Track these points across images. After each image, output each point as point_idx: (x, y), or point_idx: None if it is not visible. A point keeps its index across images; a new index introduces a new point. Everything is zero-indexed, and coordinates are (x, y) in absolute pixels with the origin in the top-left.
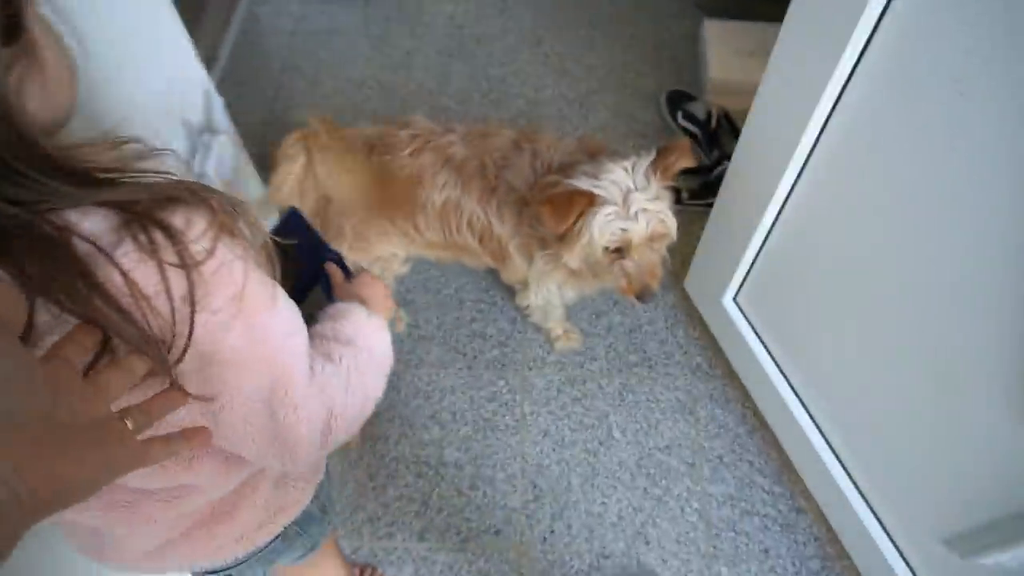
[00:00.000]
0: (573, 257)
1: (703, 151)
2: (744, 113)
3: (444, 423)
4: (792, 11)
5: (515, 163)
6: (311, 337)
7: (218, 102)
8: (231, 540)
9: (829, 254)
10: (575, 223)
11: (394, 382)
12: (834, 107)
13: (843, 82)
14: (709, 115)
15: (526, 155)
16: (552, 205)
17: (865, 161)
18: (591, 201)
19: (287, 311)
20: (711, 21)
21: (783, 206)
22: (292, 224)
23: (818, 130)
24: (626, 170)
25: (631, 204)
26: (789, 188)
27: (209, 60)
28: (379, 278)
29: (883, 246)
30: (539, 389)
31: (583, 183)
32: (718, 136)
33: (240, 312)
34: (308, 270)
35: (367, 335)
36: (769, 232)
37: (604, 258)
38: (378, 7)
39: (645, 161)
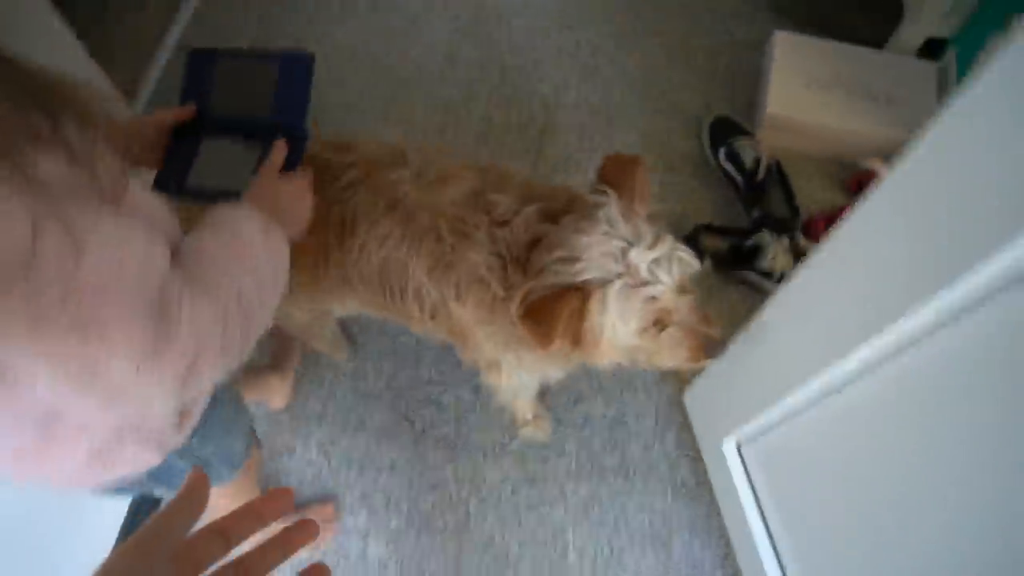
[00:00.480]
0: (605, 358)
1: (741, 205)
2: (800, 157)
3: (375, 509)
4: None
5: (474, 234)
6: (184, 251)
7: None
8: (64, 475)
9: (879, 453)
10: (580, 327)
11: (325, 447)
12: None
13: None
14: (757, 163)
15: (484, 224)
16: (534, 323)
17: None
18: (586, 295)
19: (118, 249)
20: (783, 33)
21: (849, 380)
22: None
23: (946, 310)
24: (603, 231)
25: (638, 265)
26: (865, 361)
27: (173, 4)
28: (310, 193)
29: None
30: (491, 484)
31: (561, 275)
32: (764, 189)
33: (22, 278)
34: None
35: (258, 255)
36: (813, 400)
37: (645, 340)
38: None
39: (607, 200)
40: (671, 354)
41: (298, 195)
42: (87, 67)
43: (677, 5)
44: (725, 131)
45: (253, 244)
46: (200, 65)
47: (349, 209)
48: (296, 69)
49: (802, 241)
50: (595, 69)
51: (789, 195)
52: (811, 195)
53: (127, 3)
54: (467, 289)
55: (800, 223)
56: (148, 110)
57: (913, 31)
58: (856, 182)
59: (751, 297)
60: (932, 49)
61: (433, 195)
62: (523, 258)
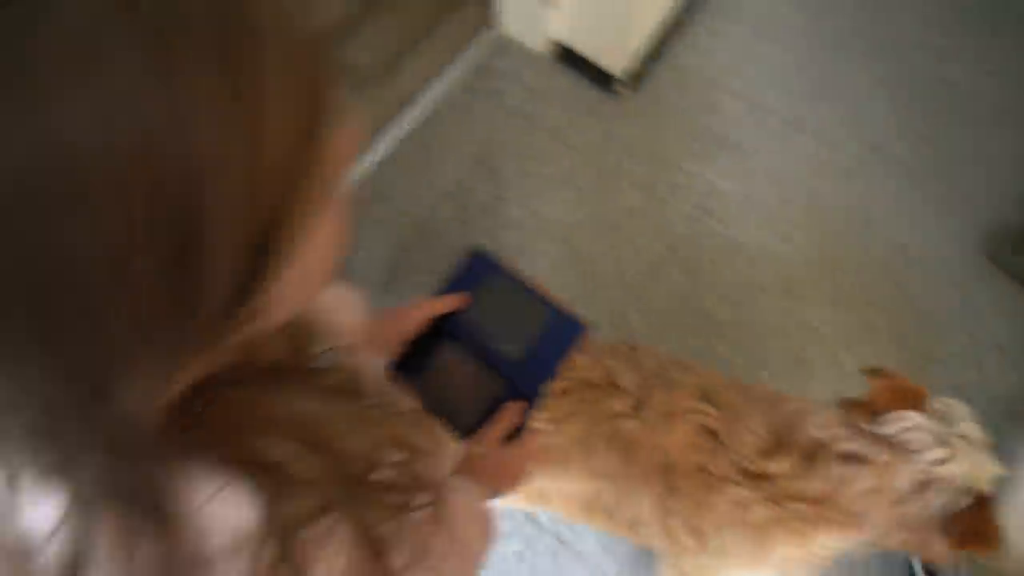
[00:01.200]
0: None
1: None
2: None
3: None
4: None
5: (721, 485)
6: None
7: None
8: None
9: None
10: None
11: None
12: None
13: None
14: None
15: (748, 460)
16: (977, 540)
17: None
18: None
19: None
20: None
21: None
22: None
23: None
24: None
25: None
26: None
27: (404, 102)
28: (531, 461)
29: None
30: None
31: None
32: None
33: None
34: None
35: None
36: None
37: None
38: (628, 128)
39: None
40: None
41: (518, 466)
42: None
43: (910, 311)
44: None
45: (472, 552)
46: (478, 268)
47: (559, 437)
48: (569, 331)
49: None
50: (801, 359)
51: None
52: None
53: None
54: (717, 534)
55: None
56: None
57: None
58: None
59: None
60: None
61: (659, 435)
62: (823, 493)
